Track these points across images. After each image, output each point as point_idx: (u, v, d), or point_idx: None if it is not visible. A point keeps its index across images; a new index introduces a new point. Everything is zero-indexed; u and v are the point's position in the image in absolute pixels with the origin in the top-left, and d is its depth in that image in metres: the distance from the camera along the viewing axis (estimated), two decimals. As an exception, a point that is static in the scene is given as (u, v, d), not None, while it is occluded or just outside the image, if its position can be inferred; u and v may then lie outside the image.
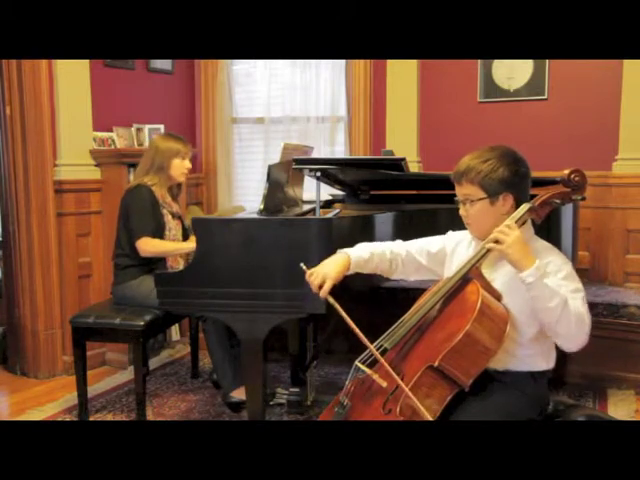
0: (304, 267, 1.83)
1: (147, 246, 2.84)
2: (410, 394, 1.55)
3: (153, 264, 2.92)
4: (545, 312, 1.58)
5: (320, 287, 1.76)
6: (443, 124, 3.91)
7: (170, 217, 2.98)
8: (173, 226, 3.00)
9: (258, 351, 2.28)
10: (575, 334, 1.60)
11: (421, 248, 1.92)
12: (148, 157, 2.97)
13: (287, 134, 4.16)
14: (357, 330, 1.68)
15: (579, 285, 1.66)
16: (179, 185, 3.12)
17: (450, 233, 1.94)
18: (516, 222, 1.67)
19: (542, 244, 1.76)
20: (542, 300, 1.57)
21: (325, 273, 1.77)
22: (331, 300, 1.74)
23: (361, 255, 1.86)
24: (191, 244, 2.64)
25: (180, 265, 2.95)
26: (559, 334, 1.61)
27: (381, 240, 2.38)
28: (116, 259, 2.94)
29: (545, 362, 1.74)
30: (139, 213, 2.85)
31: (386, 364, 1.62)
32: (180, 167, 2.99)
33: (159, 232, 2.91)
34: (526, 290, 1.59)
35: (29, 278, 3.40)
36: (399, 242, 1.96)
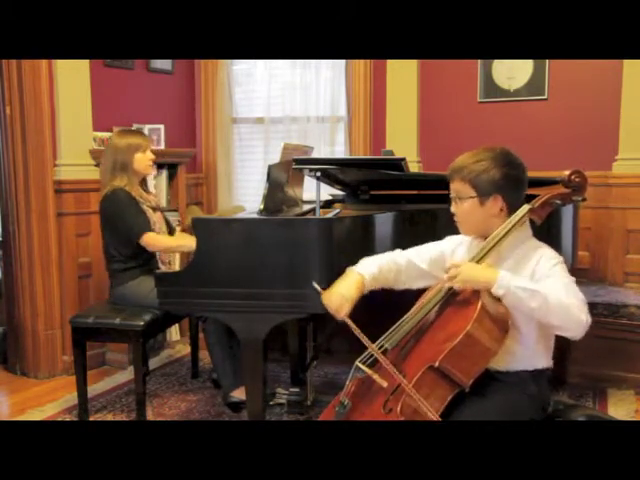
0: (318, 287, 1.81)
1: (155, 241, 2.84)
2: (412, 391, 1.55)
3: (149, 264, 2.92)
4: (533, 313, 1.58)
5: (338, 309, 1.75)
6: (443, 124, 3.91)
7: (151, 211, 2.97)
8: (156, 219, 2.98)
9: (258, 351, 2.28)
10: (570, 320, 1.56)
11: (421, 255, 1.92)
12: (108, 158, 2.93)
13: (287, 134, 4.16)
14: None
15: (568, 274, 1.66)
16: (143, 179, 3.09)
17: (448, 237, 1.95)
18: (516, 222, 1.70)
19: (538, 243, 1.77)
20: (524, 303, 1.57)
21: (343, 295, 1.76)
22: (349, 322, 1.72)
23: (372, 271, 1.86)
24: (192, 242, 2.63)
25: (175, 262, 2.94)
26: (555, 326, 1.60)
27: (381, 241, 2.40)
28: (110, 265, 2.93)
29: (545, 360, 1.74)
30: (129, 214, 2.83)
31: (388, 363, 1.62)
32: (144, 160, 2.96)
33: None
34: (505, 303, 1.60)
35: (29, 278, 3.40)
36: (398, 252, 1.96)
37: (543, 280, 1.64)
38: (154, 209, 3.00)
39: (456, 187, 1.76)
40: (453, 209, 1.80)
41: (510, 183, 1.72)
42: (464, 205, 1.75)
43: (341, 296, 1.76)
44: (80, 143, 3.50)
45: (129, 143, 2.93)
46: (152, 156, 3.02)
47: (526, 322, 1.68)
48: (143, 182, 3.10)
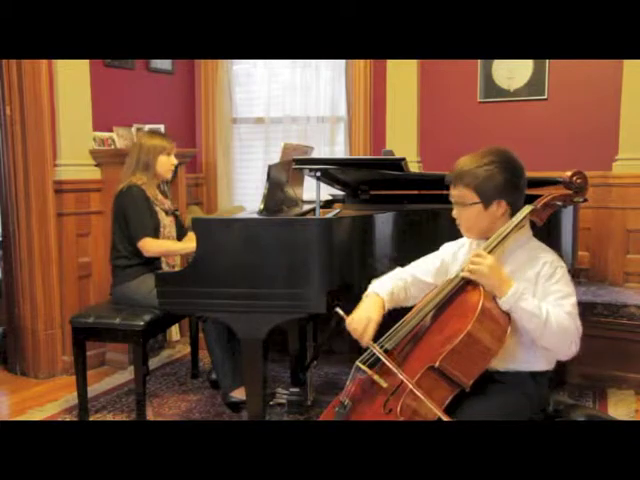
0: (341, 312, 1.77)
1: (151, 246, 2.85)
2: (417, 388, 1.55)
3: (152, 264, 2.92)
4: (527, 331, 1.63)
5: (362, 332, 1.71)
6: (443, 124, 3.91)
7: (163, 214, 2.98)
8: (167, 223, 3.00)
9: (258, 351, 2.28)
10: (560, 347, 1.65)
11: (423, 268, 1.92)
12: (133, 156, 2.97)
13: (287, 134, 4.16)
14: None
15: (570, 289, 1.68)
16: (167, 182, 3.12)
17: (444, 246, 1.96)
18: (518, 223, 1.71)
19: (539, 245, 1.77)
20: (521, 321, 1.62)
21: (367, 317, 1.72)
22: (377, 349, 1.67)
23: (388, 291, 1.83)
24: (194, 244, 2.63)
25: (177, 262, 2.96)
26: (546, 346, 1.65)
27: (381, 241, 2.40)
28: (114, 261, 2.94)
29: (546, 363, 1.74)
30: (136, 214, 2.85)
31: (390, 362, 1.62)
32: (166, 163, 2.99)
33: (154, 230, 2.91)
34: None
35: (29, 278, 3.40)
36: (399, 269, 1.94)
37: (546, 294, 1.66)
38: (166, 212, 3.01)
39: (459, 193, 1.75)
40: (455, 213, 1.79)
41: (513, 186, 1.72)
42: (468, 211, 1.75)
43: (366, 318, 1.72)
44: (80, 143, 3.50)
45: (155, 144, 2.95)
46: (175, 161, 3.06)
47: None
48: (165, 185, 3.12)
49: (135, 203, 2.86)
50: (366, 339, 1.70)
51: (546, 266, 1.68)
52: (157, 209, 2.95)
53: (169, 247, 2.94)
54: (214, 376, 3.05)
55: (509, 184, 1.71)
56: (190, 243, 2.85)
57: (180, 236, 3.12)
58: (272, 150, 4.16)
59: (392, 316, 1.80)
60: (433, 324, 1.72)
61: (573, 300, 1.66)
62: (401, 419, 1.56)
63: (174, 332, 3.96)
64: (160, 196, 3.02)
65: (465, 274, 1.67)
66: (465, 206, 1.74)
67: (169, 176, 3.07)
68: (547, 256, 1.72)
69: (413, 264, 1.95)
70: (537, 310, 1.60)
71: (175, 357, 3.78)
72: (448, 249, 1.93)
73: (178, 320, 3.40)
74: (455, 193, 1.77)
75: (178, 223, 3.13)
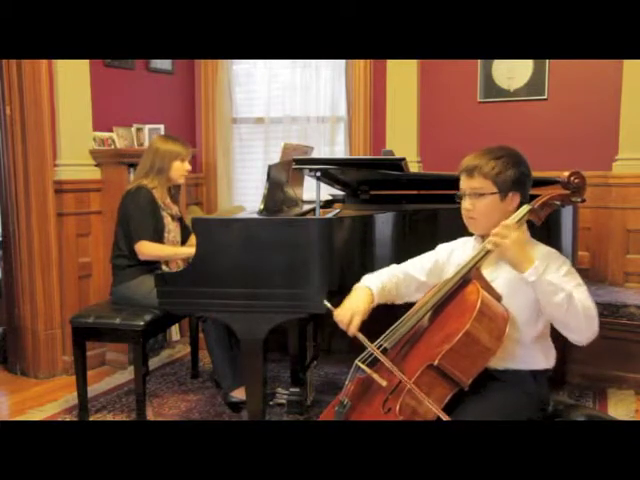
0: (329, 305, 1.80)
1: (147, 250, 2.84)
2: (414, 387, 1.56)
3: (152, 264, 2.92)
4: (552, 307, 1.59)
5: (348, 323, 1.73)
6: (443, 124, 3.91)
7: (169, 219, 2.98)
8: (172, 228, 3.00)
9: (258, 351, 2.28)
10: (585, 326, 1.61)
11: (417, 267, 1.93)
12: (148, 159, 2.97)
13: (287, 134, 4.16)
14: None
15: (581, 281, 1.69)
16: (177, 186, 3.12)
17: (440, 246, 1.96)
18: (517, 222, 1.70)
19: (539, 247, 1.77)
20: (547, 296, 1.59)
21: (353, 309, 1.75)
22: (361, 337, 1.71)
23: (377, 285, 1.85)
24: (191, 249, 2.58)
25: (180, 266, 2.95)
26: (570, 327, 1.62)
27: (381, 241, 2.40)
28: (115, 260, 2.94)
29: (545, 361, 1.75)
30: (139, 216, 2.84)
31: (388, 361, 1.63)
32: (180, 169, 3.00)
33: (158, 234, 2.91)
34: (531, 289, 1.61)
35: (29, 278, 3.40)
36: (394, 266, 1.95)
37: None
38: (173, 217, 3.01)
39: (475, 184, 1.76)
40: (468, 205, 1.78)
41: (524, 180, 1.76)
42: (484, 201, 1.75)
43: (350, 310, 1.75)
44: (80, 143, 3.50)
45: (171, 150, 2.95)
46: (189, 167, 3.06)
47: (529, 323, 1.69)
48: (176, 190, 3.12)
49: (139, 205, 2.85)
50: (352, 330, 1.73)
51: (550, 266, 1.66)
52: (164, 214, 2.95)
53: (165, 252, 2.92)
54: (217, 376, 3.05)
55: (523, 176, 1.75)
56: (188, 248, 2.85)
57: (184, 240, 3.12)
58: (272, 150, 4.16)
59: (390, 315, 1.80)
60: (432, 323, 1.73)
61: (585, 289, 1.66)
62: (400, 418, 1.56)
63: (174, 332, 3.97)
64: (168, 200, 3.01)
65: (489, 246, 1.66)
66: (481, 196, 1.75)
67: (181, 181, 3.07)
68: (549, 258, 1.70)
69: (408, 262, 1.96)
70: (563, 284, 1.60)
71: (175, 357, 3.78)
72: (443, 250, 1.94)
73: (178, 320, 3.39)
74: (471, 184, 1.77)
75: (183, 228, 3.13)
